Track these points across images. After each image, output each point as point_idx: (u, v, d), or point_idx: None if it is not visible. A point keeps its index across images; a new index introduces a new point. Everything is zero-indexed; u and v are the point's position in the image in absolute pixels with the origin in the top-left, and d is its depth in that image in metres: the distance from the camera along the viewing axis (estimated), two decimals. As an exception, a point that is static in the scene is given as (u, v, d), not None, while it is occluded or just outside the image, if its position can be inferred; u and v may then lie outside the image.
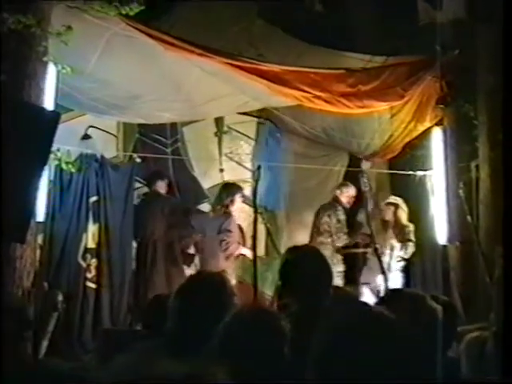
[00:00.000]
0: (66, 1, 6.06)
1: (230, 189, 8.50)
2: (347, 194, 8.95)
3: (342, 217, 8.84)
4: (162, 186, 8.66)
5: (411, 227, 8.61)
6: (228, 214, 8.27)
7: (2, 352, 4.53)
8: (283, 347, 2.48)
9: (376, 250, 7.57)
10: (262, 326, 2.51)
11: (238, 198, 8.36)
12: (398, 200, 8.70)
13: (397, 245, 8.55)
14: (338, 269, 8.39)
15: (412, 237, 8.56)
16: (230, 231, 8.18)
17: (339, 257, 8.66)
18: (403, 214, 8.67)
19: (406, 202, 8.80)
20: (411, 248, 8.54)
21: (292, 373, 2.37)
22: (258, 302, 5.74)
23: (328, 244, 8.65)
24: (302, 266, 3.61)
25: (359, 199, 8.81)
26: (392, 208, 8.72)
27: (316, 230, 8.95)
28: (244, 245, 8.37)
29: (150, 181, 8.67)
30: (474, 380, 2.12)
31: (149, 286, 8.10)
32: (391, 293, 3.23)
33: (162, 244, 8.37)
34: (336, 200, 9.00)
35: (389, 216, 8.74)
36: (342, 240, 8.77)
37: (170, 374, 1.66)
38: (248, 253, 8.11)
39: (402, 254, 8.54)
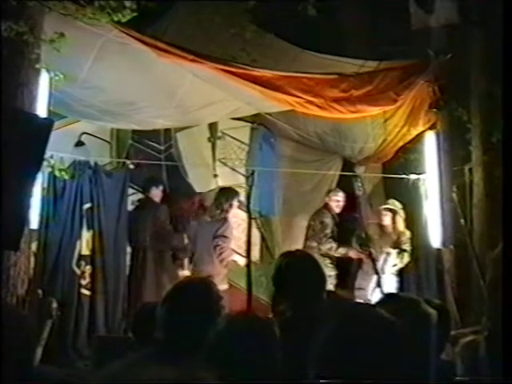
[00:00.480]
0: (60, 3, 6.05)
1: (228, 193, 8.51)
2: (335, 199, 8.97)
3: (327, 220, 8.84)
4: (156, 194, 8.63)
5: (408, 234, 8.61)
6: (225, 220, 8.28)
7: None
8: (274, 354, 2.47)
9: (370, 253, 7.58)
10: (252, 333, 2.50)
11: (235, 203, 8.39)
12: (397, 205, 8.69)
13: (393, 251, 8.53)
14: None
15: (408, 246, 8.55)
16: (225, 237, 8.19)
17: (327, 261, 8.60)
18: (401, 221, 8.67)
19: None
20: (407, 258, 8.53)
21: (284, 378, 2.37)
22: (249, 308, 5.73)
23: (315, 248, 8.64)
24: (295, 271, 3.61)
25: (353, 204, 8.83)
26: (390, 214, 8.72)
27: (306, 236, 8.99)
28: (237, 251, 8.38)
29: (145, 187, 8.65)
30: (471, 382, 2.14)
31: (139, 293, 8.09)
32: (386, 297, 3.22)
33: (153, 251, 8.36)
34: (325, 206, 9.02)
35: (386, 221, 8.74)
36: (326, 243, 8.75)
37: (159, 379, 1.67)
38: (240, 260, 8.13)
39: (397, 262, 8.53)
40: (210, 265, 8.08)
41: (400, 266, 8.53)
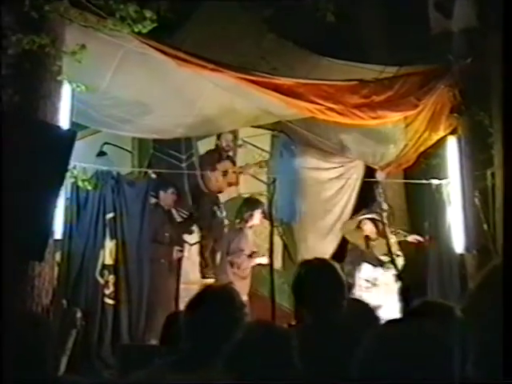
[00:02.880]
0: (81, 15, 6.10)
1: (250, 203, 8.55)
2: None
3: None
4: (165, 198, 8.63)
5: (395, 238, 8.59)
6: (240, 230, 8.30)
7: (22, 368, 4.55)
8: (292, 363, 2.47)
9: (393, 260, 7.55)
10: (271, 343, 2.51)
11: (257, 214, 8.38)
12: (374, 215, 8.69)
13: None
14: None
15: (398, 250, 8.53)
16: (240, 250, 8.21)
17: None
18: (382, 227, 8.62)
19: (423, 211, 8.79)
20: (401, 261, 8.48)
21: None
22: (272, 316, 5.74)
23: None
24: (314, 279, 3.60)
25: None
26: (370, 222, 8.68)
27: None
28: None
29: (155, 193, 8.66)
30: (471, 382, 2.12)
31: (154, 302, 8.15)
32: (420, 303, 3.22)
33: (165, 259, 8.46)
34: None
35: (368, 231, 8.70)
36: None
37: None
38: (264, 261, 8.13)
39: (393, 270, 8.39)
40: (226, 276, 8.12)
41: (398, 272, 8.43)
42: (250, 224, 8.35)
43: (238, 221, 8.42)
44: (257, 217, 8.39)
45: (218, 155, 9.31)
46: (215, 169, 9.10)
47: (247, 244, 8.31)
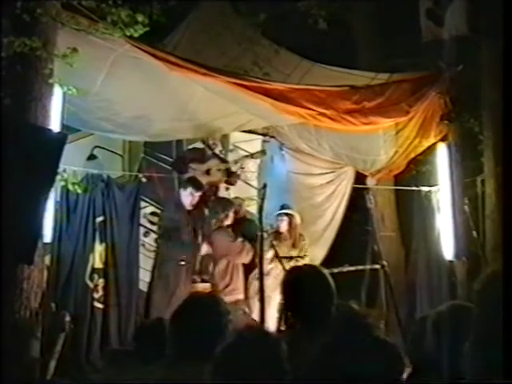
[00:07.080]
0: (73, 18, 6.09)
1: (223, 204, 8.44)
2: None
3: None
4: (184, 197, 8.43)
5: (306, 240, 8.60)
6: (223, 230, 8.24)
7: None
8: (282, 367, 2.48)
9: (383, 266, 7.54)
10: (260, 349, 2.51)
11: (231, 214, 8.34)
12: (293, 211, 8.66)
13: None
14: None
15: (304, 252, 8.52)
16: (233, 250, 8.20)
17: None
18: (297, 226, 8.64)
19: (412, 217, 8.80)
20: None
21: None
22: (261, 321, 5.75)
23: None
24: (303, 285, 3.60)
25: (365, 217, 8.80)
26: (286, 218, 8.64)
27: None
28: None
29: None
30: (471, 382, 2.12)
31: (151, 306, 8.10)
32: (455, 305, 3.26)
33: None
34: None
35: (283, 227, 8.65)
36: None
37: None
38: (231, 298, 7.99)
39: None
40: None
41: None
42: (225, 223, 8.29)
43: (213, 221, 8.33)
44: (231, 216, 8.35)
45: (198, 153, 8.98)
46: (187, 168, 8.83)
47: (235, 243, 8.26)
